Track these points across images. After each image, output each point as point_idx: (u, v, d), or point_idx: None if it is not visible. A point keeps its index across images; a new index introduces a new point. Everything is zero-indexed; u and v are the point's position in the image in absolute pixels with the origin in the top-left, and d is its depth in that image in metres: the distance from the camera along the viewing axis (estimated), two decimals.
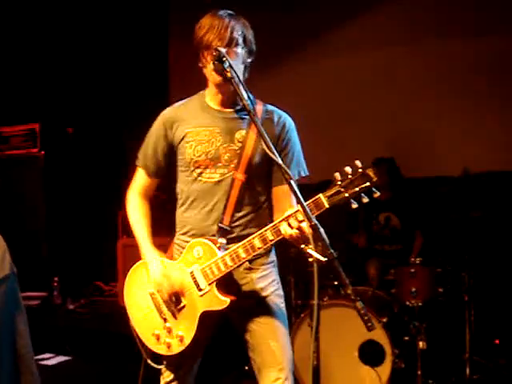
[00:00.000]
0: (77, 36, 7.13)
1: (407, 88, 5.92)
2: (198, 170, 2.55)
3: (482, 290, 4.77)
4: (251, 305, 2.58)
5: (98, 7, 7.07)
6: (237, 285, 2.57)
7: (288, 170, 2.21)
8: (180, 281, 2.53)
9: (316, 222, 2.13)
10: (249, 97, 2.39)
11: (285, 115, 2.65)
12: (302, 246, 2.26)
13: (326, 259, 2.10)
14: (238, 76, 2.35)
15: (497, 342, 4.82)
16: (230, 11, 2.53)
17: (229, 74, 2.33)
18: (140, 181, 2.73)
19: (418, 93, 5.86)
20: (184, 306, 2.53)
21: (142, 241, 2.64)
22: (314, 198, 2.26)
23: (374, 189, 2.21)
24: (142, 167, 2.71)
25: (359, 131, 6.02)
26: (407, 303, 4.36)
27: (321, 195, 2.26)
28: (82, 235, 6.91)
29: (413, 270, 4.37)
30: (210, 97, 2.61)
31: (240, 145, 2.53)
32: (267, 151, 2.24)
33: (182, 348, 2.54)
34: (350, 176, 2.21)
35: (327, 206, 2.24)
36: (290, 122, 2.64)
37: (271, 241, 2.37)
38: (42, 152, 6.70)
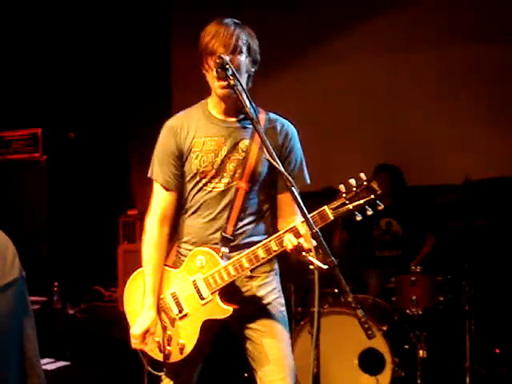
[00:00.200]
0: (79, 40, 7.15)
1: (408, 94, 5.93)
2: (204, 180, 2.54)
3: (482, 299, 4.76)
4: (252, 313, 2.58)
5: (99, 11, 7.09)
6: (238, 293, 2.56)
7: (290, 178, 2.21)
8: (182, 290, 2.52)
9: (317, 229, 2.14)
10: (252, 105, 2.39)
11: (287, 123, 2.65)
12: (303, 253, 2.27)
13: (326, 267, 2.10)
14: (241, 84, 2.35)
15: (497, 351, 4.81)
16: (235, 20, 2.53)
17: (232, 82, 2.33)
18: (160, 199, 2.62)
19: (419, 99, 5.86)
20: (186, 315, 2.52)
21: (148, 289, 2.57)
22: (318, 210, 2.28)
23: (377, 201, 2.23)
24: (161, 183, 2.61)
25: (360, 138, 6.02)
26: (407, 311, 4.36)
27: (326, 207, 2.27)
28: (83, 240, 6.91)
29: (413, 279, 4.36)
30: (213, 105, 2.60)
31: (244, 154, 2.52)
32: (270, 159, 2.25)
33: (182, 356, 2.53)
34: (354, 188, 2.23)
35: (332, 217, 2.27)
36: (292, 130, 2.64)
37: (275, 251, 2.37)
38: (44, 156, 6.71)
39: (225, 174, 2.53)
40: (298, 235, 2.28)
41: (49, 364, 5.15)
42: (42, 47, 7.05)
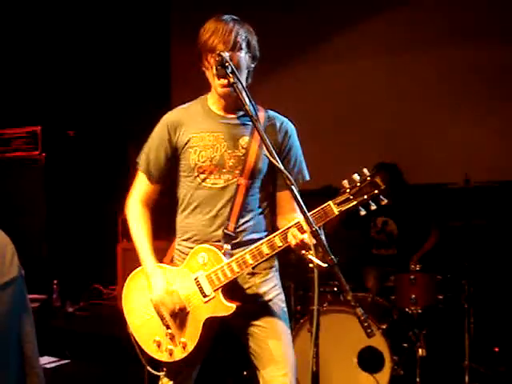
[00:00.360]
0: (78, 39, 7.14)
1: (408, 94, 5.93)
2: (202, 176, 2.54)
3: (481, 298, 4.76)
4: (254, 309, 2.58)
5: (98, 10, 7.08)
6: (240, 289, 2.56)
7: (289, 176, 2.22)
8: (184, 287, 2.52)
9: (317, 227, 2.14)
10: (251, 103, 2.39)
11: (286, 121, 2.66)
12: (303, 251, 2.27)
13: (326, 265, 2.10)
14: (240, 82, 2.35)
15: (496, 349, 4.81)
16: (234, 16, 2.53)
17: (231, 80, 2.34)
18: (141, 187, 2.69)
19: (419, 98, 5.86)
20: (188, 313, 2.52)
21: (144, 254, 2.60)
22: (323, 205, 2.29)
23: (381, 196, 2.25)
24: (144, 173, 2.67)
25: (360, 137, 6.02)
26: (407, 310, 4.36)
27: (330, 202, 2.29)
28: (82, 238, 6.91)
29: (413, 277, 4.36)
30: (213, 101, 2.60)
31: (244, 151, 2.53)
32: (269, 157, 2.25)
33: (184, 355, 2.52)
34: (358, 184, 2.25)
35: (336, 213, 2.28)
36: (291, 128, 2.65)
37: (280, 247, 2.38)
38: (43, 154, 6.70)
39: (224, 170, 2.53)
40: (302, 231, 2.29)
41: (48, 362, 5.15)
42: (41, 45, 7.04)
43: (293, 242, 2.31)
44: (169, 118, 2.64)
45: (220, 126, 2.56)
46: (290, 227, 2.34)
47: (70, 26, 7.09)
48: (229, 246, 2.51)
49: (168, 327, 2.55)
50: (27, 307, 1.88)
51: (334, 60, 6.26)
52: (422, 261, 4.75)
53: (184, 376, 2.68)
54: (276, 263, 2.70)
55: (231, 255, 2.48)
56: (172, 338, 2.54)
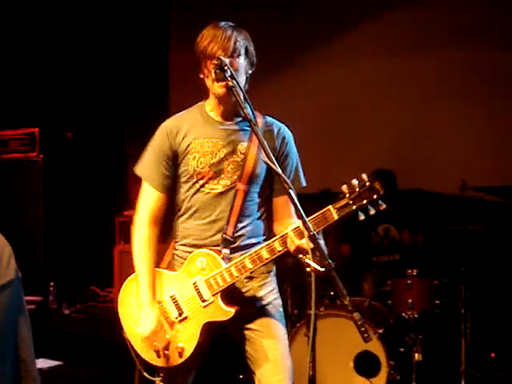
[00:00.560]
0: (77, 40, 7.14)
1: (407, 96, 5.92)
2: (201, 182, 2.54)
3: (478, 303, 4.76)
4: (251, 313, 2.58)
5: (97, 11, 7.08)
6: (239, 294, 2.56)
7: (287, 180, 2.24)
8: (182, 292, 2.51)
9: (314, 232, 2.15)
10: (250, 107, 2.39)
11: (283, 127, 2.67)
12: (300, 256, 2.27)
13: (323, 269, 2.11)
14: (239, 85, 2.36)
15: (492, 355, 4.81)
16: (231, 23, 2.54)
17: (230, 83, 2.34)
18: (149, 200, 2.61)
19: (419, 100, 5.86)
20: (186, 318, 2.51)
21: (144, 291, 2.56)
22: (323, 210, 2.30)
23: (380, 201, 2.26)
24: (150, 183, 2.61)
25: (359, 141, 6.02)
26: (403, 315, 4.36)
27: (330, 207, 2.29)
28: (80, 240, 6.89)
29: (409, 282, 4.36)
30: (211, 108, 2.61)
31: (243, 156, 2.54)
32: (267, 161, 2.26)
33: (181, 360, 2.52)
34: (357, 189, 2.27)
35: (336, 217, 2.29)
36: (289, 134, 2.67)
37: (279, 252, 2.39)
38: (41, 156, 6.69)
39: (223, 176, 2.53)
40: (301, 236, 2.28)
41: (43, 364, 5.14)
42: (39, 46, 7.04)
43: (292, 246, 2.32)
44: (167, 125, 2.63)
45: (219, 133, 2.56)
46: (289, 232, 2.33)
47: (68, 27, 7.09)
48: (227, 251, 2.51)
49: (165, 333, 2.54)
50: (24, 310, 1.87)
51: (333, 62, 6.25)
52: (419, 265, 4.75)
53: (180, 381, 2.67)
54: (274, 268, 2.70)
55: (230, 259, 2.48)
56: (169, 343, 2.53)
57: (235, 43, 2.46)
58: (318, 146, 5.76)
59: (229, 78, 2.34)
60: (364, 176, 2.29)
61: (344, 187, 2.28)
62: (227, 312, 2.44)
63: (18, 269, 1.85)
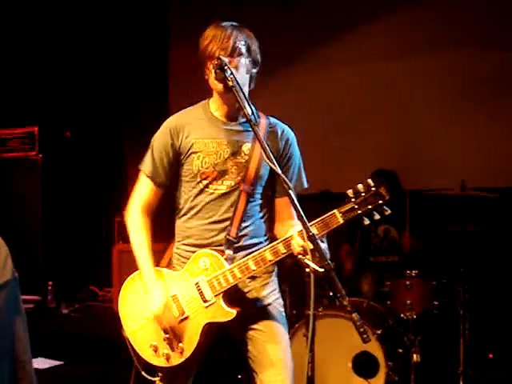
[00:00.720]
0: (76, 39, 7.14)
1: (407, 97, 5.92)
2: (205, 182, 2.54)
3: (477, 304, 4.76)
4: (253, 313, 2.58)
5: (96, 10, 7.08)
6: (241, 293, 2.56)
7: (287, 180, 2.24)
8: (184, 292, 2.51)
9: (314, 232, 2.15)
10: (251, 109, 2.40)
11: (287, 129, 2.67)
12: (300, 256, 2.27)
13: (322, 270, 2.11)
14: (239, 85, 2.36)
15: (491, 356, 4.81)
16: (234, 23, 2.54)
17: (230, 83, 2.34)
18: (144, 193, 2.65)
19: (419, 105, 5.85)
20: (187, 318, 2.51)
21: (145, 268, 2.57)
22: (328, 214, 2.32)
23: (385, 207, 2.28)
24: (149, 177, 2.63)
25: (359, 143, 6.02)
26: (402, 315, 4.36)
27: (335, 211, 2.31)
28: (78, 239, 6.90)
29: (408, 283, 4.36)
30: (216, 107, 2.60)
31: (247, 157, 2.54)
32: (267, 161, 2.26)
33: (181, 360, 2.51)
34: (363, 194, 2.28)
35: (341, 221, 2.31)
36: (292, 135, 2.67)
37: (283, 254, 2.40)
38: (40, 155, 6.69)
39: (227, 177, 2.54)
40: (304, 238, 2.28)
41: (42, 363, 5.14)
42: (39, 46, 7.04)
43: (296, 249, 2.32)
44: (171, 122, 2.63)
45: (223, 133, 2.56)
46: (293, 234, 2.33)
47: (68, 26, 7.09)
48: (231, 252, 2.51)
49: (165, 332, 2.54)
50: (20, 310, 1.87)
51: (332, 61, 6.23)
52: (418, 266, 4.75)
53: (179, 381, 2.66)
54: (275, 268, 2.70)
55: (233, 259, 2.48)
56: (169, 342, 2.53)
57: (235, 42, 2.46)
58: (317, 146, 5.75)
59: (229, 78, 2.34)
60: (369, 181, 2.30)
61: (349, 191, 2.30)
62: (229, 313, 2.44)
63: (15, 269, 1.84)
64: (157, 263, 2.64)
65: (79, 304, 6.60)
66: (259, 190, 2.58)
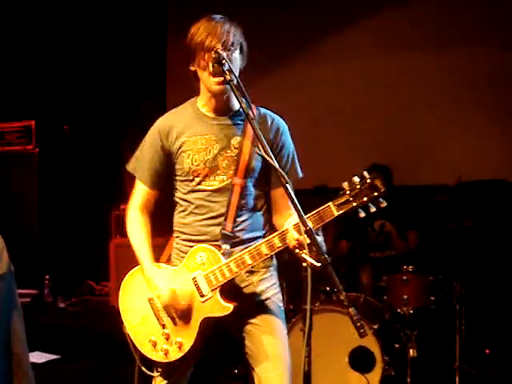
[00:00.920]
0: (74, 35, 7.12)
1: (404, 94, 5.92)
2: (198, 179, 2.55)
3: (473, 299, 4.77)
4: (251, 307, 2.58)
5: (94, 6, 7.06)
6: (238, 287, 2.57)
7: (283, 174, 2.23)
8: (181, 287, 2.51)
9: (311, 226, 2.14)
10: (247, 101, 2.38)
11: (278, 118, 2.66)
12: (297, 250, 2.27)
13: (320, 264, 2.11)
14: (237, 79, 2.35)
15: (487, 351, 4.82)
16: (222, 16, 2.52)
17: (228, 77, 2.34)
18: (140, 195, 2.68)
19: (417, 100, 5.86)
20: (184, 312, 2.50)
21: (146, 264, 2.59)
22: (323, 206, 2.30)
23: (381, 199, 2.26)
24: (141, 180, 2.67)
25: (354, 137, 6.03)
26: (399, 310, 4.36)
27: (330, 204, 2.30)
28: (75, 233, 6.89)
29: (405, 278, 4.37)
30: (203, 103, 2.60)
31: (237, 151, 2.53)
32: (264, 155, 2.26)
33: (180, 355, 2.52)
34: (358, 186, 2.27)
35: (336, 214, 2.29)
36: (283, 125, 2.66)
37: (279, 247, 2.39)
38: (37, 149, 6.68)
39: (218, 172, 2.53)
40: (300, 232, 2.27)
41: (38, 357, 5.13)
42: (37, 41, 7.02)
43: (292, 243, 2.31)
44: (160, 124, 2.64)
45: (211, 128, 2.56)
46: (289, 228, 2.33)
47: (66, 22, 7.07)
48: (227, 246, 2.51)
49: (164, 327, 2.55)
50: (16, 304, 1.86)
51: (330, 57, 6.25)
52: (414, 261, 4.76)
53: (178, 376, 2.67)
54: (275, 262, 2.70)
55: (230, 254, 2.48)
56: (168, 337, 2.53)
57: (234, 37, 2.46)
58: (314, 141, 5.76)
59: (227, 72, 2.34)
60: (365, 173, 2.28)
61: (345, 184, 2.28)
62: (226, 308, 2.44)
63: (11, 262, 1.83)
64: (157, 258, 2.65)
65: (76, 298, 6.60)
66: (252, 182, 2.57)
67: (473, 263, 4.86)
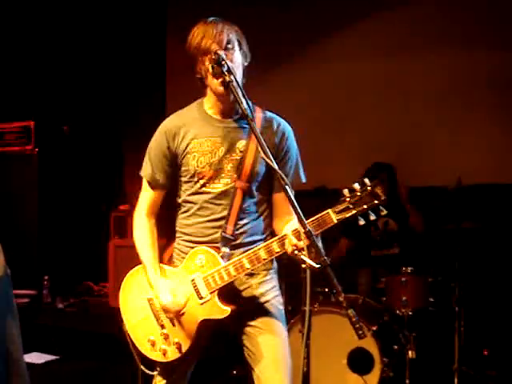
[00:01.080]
0: (74, 35, 7.12)
1: (404, 94, 5.92)
2: (202, 181, 2.55)
3: (472, 301, 4.77)
4: (252, 310, 2.58)
5: (94, 6, 7.06)
6: (238, 290, 2.57)
7: (284, 177, 2.22)
8: (181, 288, 2.51)
9: (310, 228, 2.14)
10: (248, 103, 2.37)
11: (284, 123, 2.65)
12: (296, 252, 2.26)
13: (319, 266, 2.10)
14: (236, 80, 2.35)
15: (486, 352, 4.82)
16: (215, 18, 2.52)
17: (227, 78, 2.33)
18: (147, 197, 2.68)
19: (417, 101, 5.85)
20: (183, 314, 2.51)
21: (151, 273, 2.59)
22: (322, 213, 2.29)
23: (381, 207, 2.25)
24: (149, 181, 2.66)
25: (356, 139, 6.02)
26: (397, 312, 4.36)
27: (329, 211, 2.29)
28: (74, 234, 6.88)
29: (404, 279, 4.37)
30: (210, 106, 2.60)
31: (241, 154, 2.53)
32: (263, 156, 2.26)
33: (178, 355, 2.52)
34: (358, 193, 2.25)
35: (335, 221, 2.28)
36: (289, 129, 2.65)
37: (277, 253, 2.39)
38: (36, 149, 6.67)
39: (223, 175, 2.53)
40: (299, 238, 2.27)
41: (37, 358, 5.13)
42: (36, 41, 7.02)
43: (290, 248, 2.31)
44: (166, 125, 2.63)
45: (217, 131, 2.55)
46: (288, 234, 2.32)
47: (65, 22, 7.07)
48: (227, 249, 2.51)
49: (163, 327, 2.55)
50: (12, 309, 1.85)
51: (331, 57, 6.23)
52: (414, 263, 4.76)
53: (178, 375, 2.67)
54: (275, 265, 2.70)
55: (230, 256, 2.48)
56: (166, 338, 2.54)
57: (228, 35, 2.46)
58: (314, 142, 5.75)
59: (226, 73, 2.33)
60: (366, 180, 2.27)
61: (345, 191, 2.27)
62: (223, 310, 2.44)
63: (7, 265, 1.83)
64: (159, 258, 2.65)
65: (75, 299, 6.58)
66: (256, 186, 2.57)
67: (472, 265, 4.87)
